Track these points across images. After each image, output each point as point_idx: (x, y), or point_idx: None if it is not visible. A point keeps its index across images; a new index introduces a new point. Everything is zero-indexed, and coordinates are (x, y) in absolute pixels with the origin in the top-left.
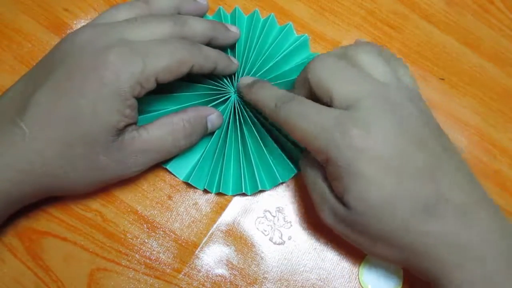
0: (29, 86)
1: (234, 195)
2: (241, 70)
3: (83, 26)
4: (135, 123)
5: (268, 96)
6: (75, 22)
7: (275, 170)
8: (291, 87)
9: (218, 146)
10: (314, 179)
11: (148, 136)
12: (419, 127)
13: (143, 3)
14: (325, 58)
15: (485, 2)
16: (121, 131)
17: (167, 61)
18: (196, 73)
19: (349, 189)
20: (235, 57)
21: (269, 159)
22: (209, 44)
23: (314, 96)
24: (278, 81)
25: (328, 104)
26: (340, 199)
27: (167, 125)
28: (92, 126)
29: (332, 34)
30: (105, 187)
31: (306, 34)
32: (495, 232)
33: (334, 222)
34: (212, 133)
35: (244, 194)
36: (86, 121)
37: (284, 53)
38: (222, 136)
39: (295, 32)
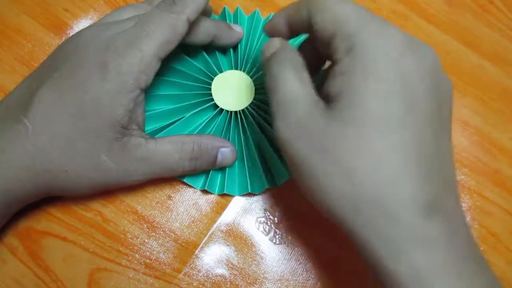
0: (33, 84)
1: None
2: (243, 70)
3: (87, 26)
4: (139, 123)
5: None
6: (75, 22)
7: (283, 166)
8: None
9: None
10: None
11: (155, 148)
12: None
13: (148, 4)
14: None
15: (485, 2)
16: (125, 129)
17: (161, 36)
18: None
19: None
20: (237, 57)
21: (276, 154)
22: (212, 43)
23: None
24: None
25: None
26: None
27: (177, 143)
28: (95, 121)
29: None
30: None
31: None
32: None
33: (297, 129)
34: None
35: (251, 194)
36: (90, 116)
37: None
38: (222, 136)
39: None
